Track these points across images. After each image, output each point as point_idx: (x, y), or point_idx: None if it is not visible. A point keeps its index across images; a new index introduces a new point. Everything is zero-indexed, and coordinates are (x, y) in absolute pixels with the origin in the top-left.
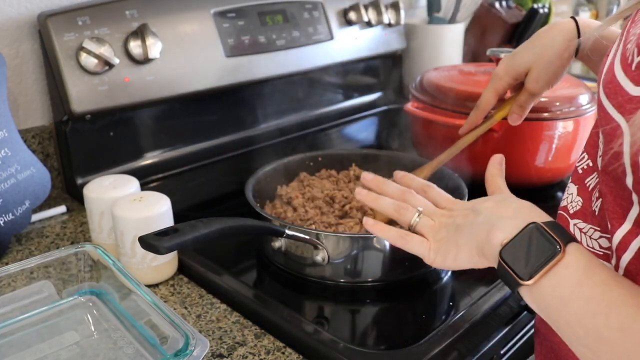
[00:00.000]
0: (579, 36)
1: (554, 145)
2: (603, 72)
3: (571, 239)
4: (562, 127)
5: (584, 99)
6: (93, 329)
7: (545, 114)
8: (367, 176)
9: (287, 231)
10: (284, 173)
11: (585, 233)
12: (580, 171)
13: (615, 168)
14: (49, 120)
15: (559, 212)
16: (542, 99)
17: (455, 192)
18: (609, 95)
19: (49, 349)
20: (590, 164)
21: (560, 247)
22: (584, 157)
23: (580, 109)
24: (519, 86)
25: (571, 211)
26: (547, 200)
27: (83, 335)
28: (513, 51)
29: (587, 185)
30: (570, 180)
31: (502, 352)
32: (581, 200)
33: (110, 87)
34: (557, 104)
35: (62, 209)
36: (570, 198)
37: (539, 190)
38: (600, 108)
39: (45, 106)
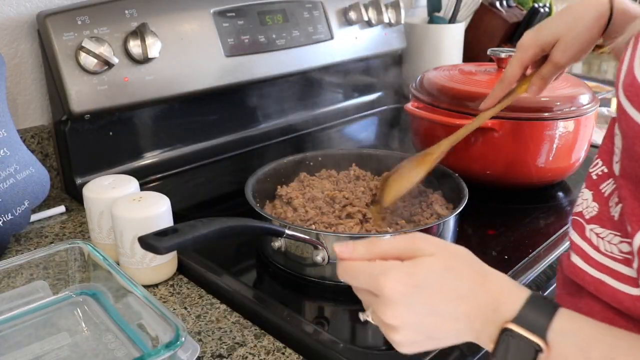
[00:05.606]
0: (610, 13)
1: (554, 145)
2: (621, 74)
3: (548, 322)
4: (562, 127)
5: (584, 98)
6: (85, 330)
7: (546, 114)
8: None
9: (287, 231)
10: (284, 173)
11: (603, 238)
12: (594, 177)
13: (635, 170)
14: (48, 120)
15: (574, 217)
16: (543, 99)
17: (456, 193)
18: (630, 98)
19: (40, 349)
20: (605, 170)
21: (540, 347)
22: (597, 163)
23: (581, 109)
24: (540, 61)
25: (587, 217)
26: (548, 200)
27: (75, 336)
28: (539, 23)
29: (603, 191)
30: (584, 186)
31: None
32: (597, 206)
33: (110, 86)
34: (558, 103)
35: (61, 209)
36: (585, 204)
37: (540, 190)
38: (621, 112)
39: (44, 106)
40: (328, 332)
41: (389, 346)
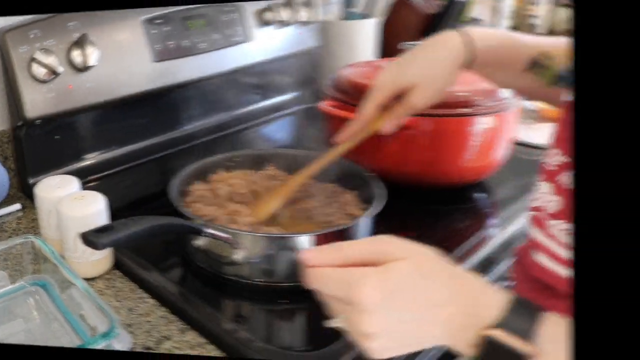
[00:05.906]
0: (466, 50)
1: (474, 143)
2: None
3: (536, 327)
4: (483, 123)
5: (507, 92)
6: (37, 318)
7: (465, 109)
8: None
9: (204, 229)
10: (205, 173)
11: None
12: (553, 168)
13: None
14: (7, 125)
15: (532, 212)
16: (462, 93)
17: (372, 193)
18: None
19: (1, 333)
20: (565, 160)
21: (529, 353)
22: (555, 153)
23: (502, 103)
24: (397, 98)
25: (550, 211)
26: (467, 201)
27: (29, 323)
28: (396, 61)
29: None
30: (540, 179)
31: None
32: (560, 199)
33: (57, 94)
34: (478, 98)
35: (17, 206)
36: (545, 197)
37: (460, 190)
38: None
39: (4, 113)
40: (245, 330)
41: (305, 347)
